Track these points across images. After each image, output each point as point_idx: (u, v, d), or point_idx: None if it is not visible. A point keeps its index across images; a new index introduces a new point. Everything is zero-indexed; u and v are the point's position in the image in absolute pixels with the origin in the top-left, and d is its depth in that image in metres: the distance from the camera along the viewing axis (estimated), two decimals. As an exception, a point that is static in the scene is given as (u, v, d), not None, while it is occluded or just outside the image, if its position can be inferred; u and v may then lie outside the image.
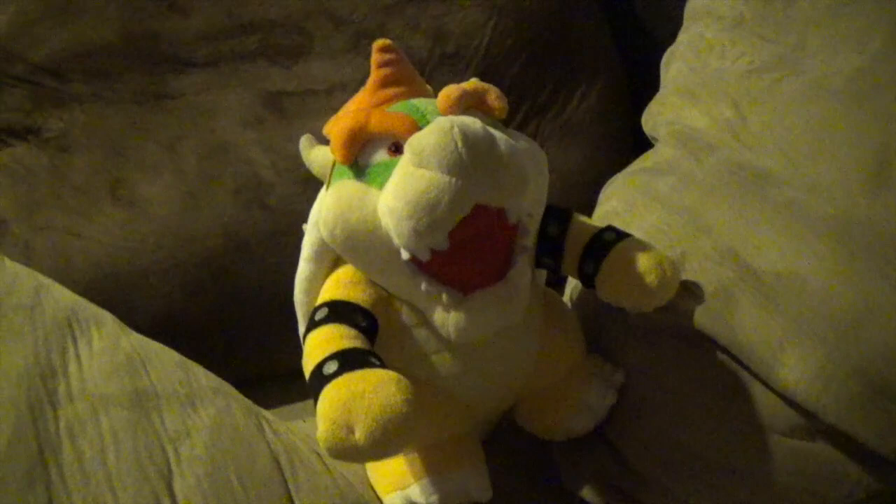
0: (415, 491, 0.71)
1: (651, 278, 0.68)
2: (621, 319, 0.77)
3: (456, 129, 0.57)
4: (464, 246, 0.61)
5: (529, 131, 1.15)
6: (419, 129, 0.61)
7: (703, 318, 0.70)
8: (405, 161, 0.59)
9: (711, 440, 0.71)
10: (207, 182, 1.01)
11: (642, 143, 0.98)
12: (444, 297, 0.64)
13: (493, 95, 0.68)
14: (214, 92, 1.05)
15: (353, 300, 0.66)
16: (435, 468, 0.72)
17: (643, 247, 0.71)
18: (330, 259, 0.69)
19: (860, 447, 0.63)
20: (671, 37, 1.03)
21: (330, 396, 0.56)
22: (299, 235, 0.71)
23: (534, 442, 0.82)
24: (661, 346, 0.75)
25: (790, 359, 0.64)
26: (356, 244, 0.64)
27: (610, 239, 0.72)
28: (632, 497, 0.78)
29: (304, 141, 0.72)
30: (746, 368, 0.68)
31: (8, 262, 0.78)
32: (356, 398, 0.55)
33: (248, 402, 0.76)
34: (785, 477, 0.67)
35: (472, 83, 0.68)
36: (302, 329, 0.72)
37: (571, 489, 0.82)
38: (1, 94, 1.00)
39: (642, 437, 0.76)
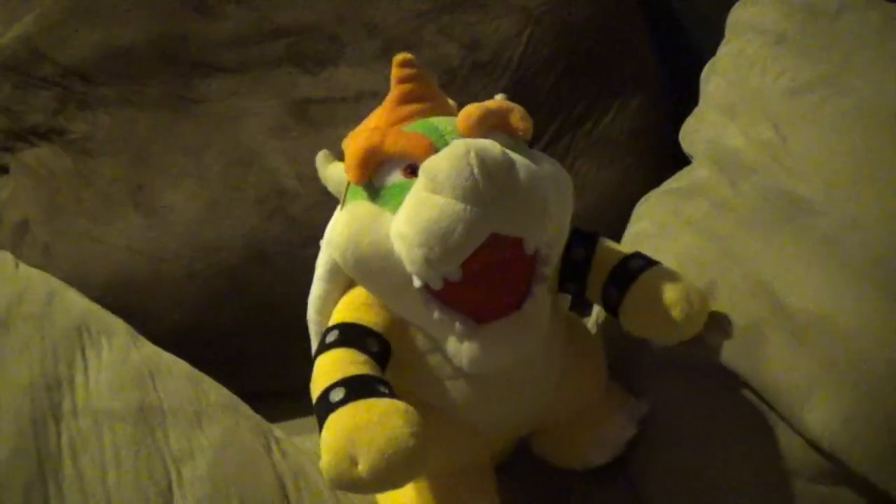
0: (421, 521, 0.69)
1: (677, 311, 0.65)
2: (647, 349, 0.74)
3: (473, 154, 0.54)
4: (478, 276, 0.58)
5: (563, 145, 1.12)
6: (436, 151, 0.59)
7: (730, 354, 0.67)
8: (419, 186, 0.57)
9: (733, 482, 0.68)
10: (230, 191, 1.00)
11: (682, 158, 0.95)
12: (457, 326, 0.61)
13: (517, 116, 0.65)
14: (241, 98, 1.04)
15: (365, 323, 0.64)
16: (445, 499, 0.70)
17: (671, 277, 0.68)
18: (344, 279, 0.67)
19: (886, 496, 0.59)
20: (714, 49, 0.99)
21: (334, 425, 0.54)
22: (320, 249, 0.69)
23: (549, 470, 0.80)
24: (685, 380, 0.72)
25: (818, 404, 0.60)
26: (368, 268, 0.61)
27: (636, 267, 0.69)
28: (649, 533, 0.75)
29: (321, 157, 0.71)
30: (773, 408, 0.65)
31: (22, 266, 0.77)
32: (361, 429, 0.53)
33: (258, 418, 0.75)
34: (807, 523, 0.64)
35: (496, 102, 0.65)
36: (314, 348, 0.70)
37: (587, 521, 0.79)
38: (27, 95, 1.00)
39: (662, 474, 0.73)
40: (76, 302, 0.75)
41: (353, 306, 0.66)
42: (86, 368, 0.69)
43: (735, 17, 0.98)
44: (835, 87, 0.78)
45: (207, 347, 0.95)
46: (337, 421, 0.54)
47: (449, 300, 0.61)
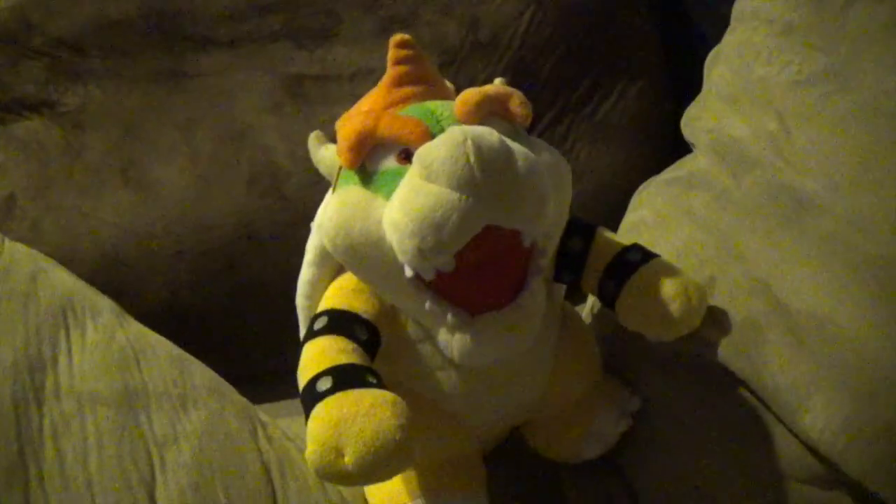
0: (409, 510, 0.69)
1: (675, 307, 0.64)
2: (642, 342, 0.72)
3: (469, 142, 0.52)
4: (472, 267, 0.57)
5: (562, 129, 1.10)
6: (432, 136, 0.57)
7: (727, 351, 0.66)
8: (413, 173, 0.55)
9: (725, 481, 0.67)
10: (222, 168, 0.98)
11: (682, 145, 0.94)
12: (449, 317, 0.60)
13: (517, 101, 0.63)
14: (234, 73, 1.02)
15: (354, 310, 0.63)
16: (432, 488, 0.69)
17: (669, 271, 0.66)
18: (334, 264, 0.66)
19: (880, 500, 0.58)
20: (720, 36, 0.97)
21: (321, 416, 0.53)
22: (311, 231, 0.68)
23: (540, 459, 0.79)
24: (681, 376, 0.71)
25: (816, 406, 0.59)
26: (358, 255, 0.60)
27: (634, 259, 0.68)
28: (639, 528, 0.75)
29: (313, 138, 0.69)
30: (769, 409, 0.64)
31: (7, 242, 0.75)
32: (348, 420, 0.52)
33: (244, 402, 0.74)
34: (797, 525, 0.64)
35: (495, 87, 0.63)
36: (303, 333, 0.69)
37: (576, 513, 0.78)
38: (19, 66, 0.98)
39: (654, 470, 0.72)
40: (62, 280, 0.73)
41: (343, 292, 0.64)
42: (70, 350, 0.67)
43: (741, 5, 0.96)
44: (841, 81, 0.76)
45: (196, 326, 0.95)
46: (324, 411, 0.53)
47: (441, 291, 0.59)
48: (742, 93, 0.84)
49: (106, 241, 0.94)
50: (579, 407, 0.74)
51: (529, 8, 1.09)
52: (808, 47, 0.81)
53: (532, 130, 0.98)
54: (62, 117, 0.98)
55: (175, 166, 0.98)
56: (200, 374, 0.72)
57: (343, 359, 0.58)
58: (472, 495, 0.70)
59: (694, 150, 0.90)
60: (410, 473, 0.69)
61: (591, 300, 0.86)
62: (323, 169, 0.68)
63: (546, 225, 0.61)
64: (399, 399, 0.54)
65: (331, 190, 0.65)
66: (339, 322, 0.62)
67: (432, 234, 0.53)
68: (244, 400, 0.74)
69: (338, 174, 0.63)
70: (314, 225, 0.67)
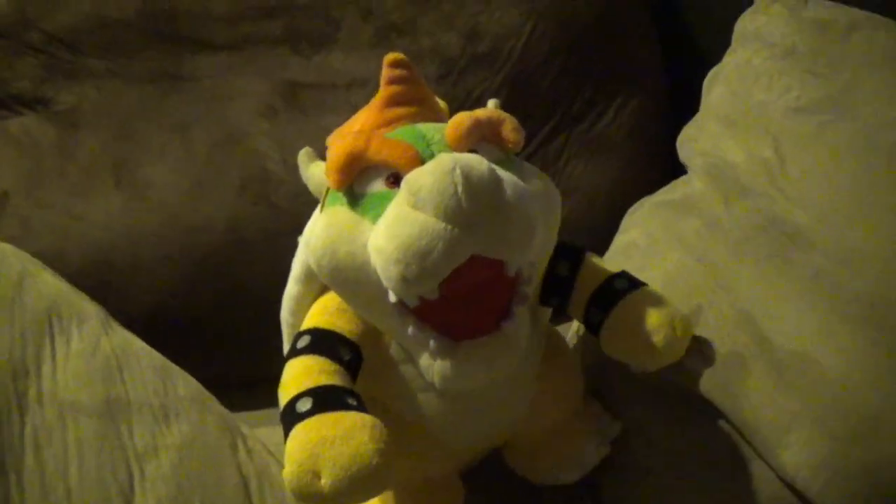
0: (384, 532, 0.69)
1: (658, 337, 0.64)
2: (625, 369, 0.72)
3: (458, 172, 0.52)
4: (456, 295, 0.57)
5: (557, 144, 1.10)
6: (421, 161, 0.57)
7: (709, 383, 0.66)
8: (401, 199, 0.55)
9: (703, 514, 0.67)
10: (214, 172, 0.98)
11: (678, 163, 0.93)
12: (431, 343, 0.59)
13: (509, 127, 0.63)
14: (231, 76, 1.02)
15: (338, 330, 0.63)
16: (410, 509, 0.69)
17: (654, 300, 0.66)
18: (319, 281, 0.65)
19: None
20: (720, 54, 0.97)
21: (299, 437, 0.53)
22: (300, 236, 0.68)
23: (518, 480, 0.79)
24: (662, 404, 0.72)
25: (795, 444, 0.60)
26: (343, 278, 0.60)
27: (621, 287, 0.68)
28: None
29: (303, 155, 0.69)
30: (749, 443, 0.64)
31: (-5, 243, 0.75)
32: (326, 443, 0.52)
33: (226, 413, 0.74)
34: (774, 561, 0.64)
35: (487, 111, 0.63)
36: (286, 348, 0.69)
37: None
38: (14, 61, 0.98)
39: (631, 499, 0.72)
40: (48, 284, 0.73)
41: (327, 311, 0.64)
42: (54, 357, 0.67)
43: (743, 25, 0.95)
44: (839, 110, 0.76)
45: (183, 331, 0.94)
46: (302, 433, 0.53)
47: (424, 317, 0.59)
48: (740, 117, 0.85)
49: (95, 241, 0.94)
50: (560, 430, 0.74)
51: (530, 21, 1.09)
52: (809, 73, 0.82)
53: (527, 145, 0.98)
54: (57, 115, 0.98)
55: (167, 168, 0.98)
56: (183, 384, 0.72)
57: (324, 380, 0.58)
58: (450, 516, 0.71)
59: (689, 171, 0.90)
60: (388, 493, 0.70)
61: (576, 323, 0.86)
62: (311, 187, 0.68)
63: (532, 254, 0.61)
64: (378, 422, 0.54)
65: (318, 208, 0.65)
66: (322, 342, 0.62)
67: (417, 263, 0.53)
68: (226, 411, 0.74)
69: (326, 193, 0.63)
70: (302, 240, 0.67)
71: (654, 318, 0.65)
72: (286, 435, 0.54)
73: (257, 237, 0.97)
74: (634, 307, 0.66)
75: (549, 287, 0.70)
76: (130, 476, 0.63)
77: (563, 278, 0.70)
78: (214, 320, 0.97)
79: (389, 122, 0.63)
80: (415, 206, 0.53)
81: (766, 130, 0.80)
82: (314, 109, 1.02)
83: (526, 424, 0.72)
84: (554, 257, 0.69)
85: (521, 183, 0.59)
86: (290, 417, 0.55)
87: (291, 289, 0.68)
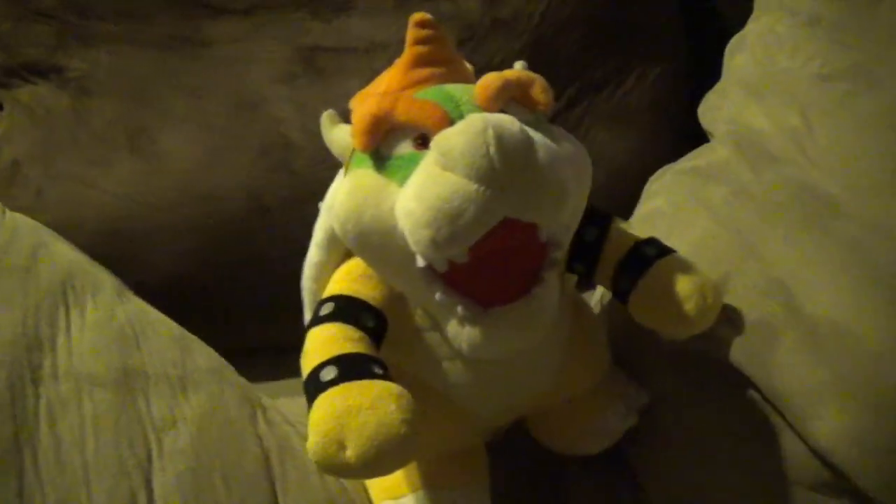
0: (408, 502, 0.67)
1: (690, 305, 0.62)
2: (652, 338, 0.70)
3: (490, 132, 0.50)
4: (486, 260, 0.55)
5: (578, 111, 1.07)
6: (450, 122, 0.55)
7: (739, 352, 0.64)
8: (430, 160, 0.53)
9: (732, 483, 0.66)
10: (232, 139, 0.96)
11: (700, 132, 0.91)
12: (459, 309, 0.58)
13: (539, 88, 0.60)
14: (248, 42, 0.99)
15: (362, 297, 0.61)
16: (433, 481, 0.68)
17: (685, 267, 0.64)
18: (342, 247, 0.63)
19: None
20: (742, 22, 0.95)
21: (324, 407, 0.51)
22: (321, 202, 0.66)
23: (542, 450, 0.77)
24: (691, 374, 0.70)
25: (829, 415, 0.58)
26: (369, 243, 0.58)
27: (650, 254, 0.66)
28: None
29: (326, 118, 0.67)
30: (779, 412, 0.63)
31: (9, 214, 0.74)
32: (351, 413, 0.50)
33: (245, 384, 0.72)
34: (803, 531, 0.62)
35: (516, 72, 0.61)
36: (307, 316, 0.67)
37: (579, 507, 0.77)
38: (26, 29, 0.96)
39: (660, 468, 0.71)
40: (63, 254, 0.72)
41: (351, 277, 0.62)
42: (69, 329, 0.66)
43: (765, -8, 0.93)
44: (867, 79, 0.74)
45: (201, 299, 0.93)
46: (327, 402, 0.51)
47: (453, 282, 0.57)
48: (764, 84, 0.82)
49: (111, 211, 0.92)
50: (586, 400, 0.72)
51: (551, -14, 1.06)
52: (835, 42, 0.79)
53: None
54: (70, 83, 0.96)
55: (184, 136, 0.96)
56: (201, 354, 0.70)
57: (349, 347, 0.56)
58: (474, 487, 0.69)
59: (711, 139, 0.87)
60: (412, 465, 0.68)
61: (600, 290, 0.84)
62: (335, 150, 0.66)
63: (565, 218, 0.58)
64: (405, 391, 0.52)
65: (342, 172, 0.63)
66: (346, 309, 0.60)
67: (447, 225, 0.51)
68: (245, 382, 0.72)
69: (350, 156, 0.61)
70: (323, 206, 0.65)
71: (685, 286, 0.63)
72: (310, 405, 0.53)
73: (276, 205, 0.95)
74: (665, 274, 0.64)
75: (576, 253, 0.68)
76: (148, 449, 0.61)
77: (589, 244, 0.68)
78: (233, 289, 0.95)
79: (416, 83, 0.60)
80: (445, 167, 0.51)
81: (792, 98, 0.78)
82: (334, 74, 0.99)
83: (552, 394, 0.71)
84: (581, 222, 0.66)
85: (553, 144, 0.57)
86: (314, 386, 0.53)
87: (313, 255, 0.66)
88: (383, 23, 1.02)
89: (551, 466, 0.77)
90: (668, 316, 0.64)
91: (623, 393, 0.73)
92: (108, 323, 0.67)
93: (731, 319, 0.65)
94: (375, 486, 0.70)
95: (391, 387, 0.52)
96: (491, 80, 0.57)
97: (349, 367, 0.54)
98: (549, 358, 0.68)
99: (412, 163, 0.55)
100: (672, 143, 1.07)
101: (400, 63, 0.62)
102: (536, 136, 0.55)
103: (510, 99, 0.59)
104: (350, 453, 0.49)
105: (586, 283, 0.74)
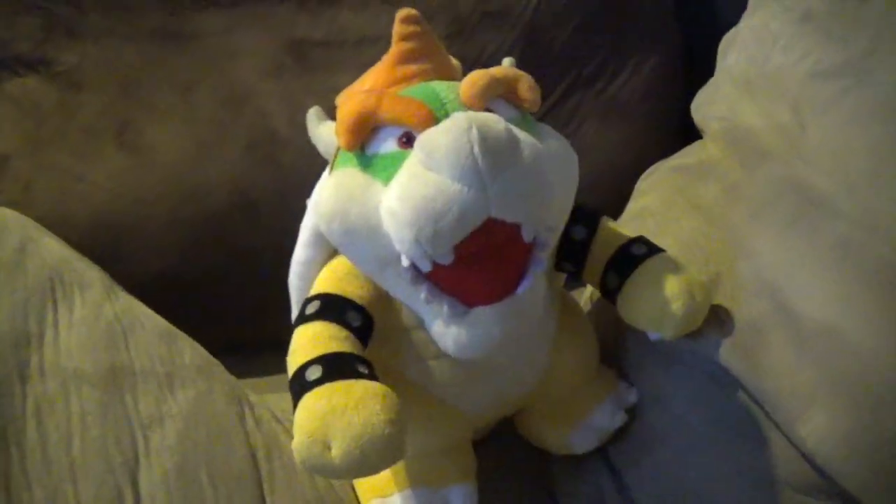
0: (395, 501, 0.68)
1: (678, 305, 0.62)
2: (641, 336, 0.70)
3: (474, 131, 0.50)
4: (470, 260, 0.55)
5: (571, 105, 1.07)
6: (435, 120, 0.55)
7: (728, 352, 0.64)
8: (414, 160, 0.53)
9: (719, 485, 0.66)
10: (220, 132, 0.95)
11: (693, 126, 0.91)
12: (445, 309, 0.57)
13: (525, 85, 0.60)
14: (236, 35, 0.98)
15: (347, 295, 0.61)
16: (421, 480, 0.68)
17: (673, 267, 0.64)
18: (328, 246, 0.63)
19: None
20: (736, 17, 0.94)
21: (309, 406, 0.52)
22: (308, 198, 0.66)
23: (530, 448, 0.78)
24: (679, 373, 0.70)
25: (816, 416, 0.58)
26: (354, 241, 0.58)
27: (639, 253, 0.66)
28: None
29: (312, 114, 0.66)
30: (768, 414, 0.62)
31: (-3, 209, 0.73)
32: (336, 413, 0.50)
33: (233, 381, 0.72)
34: (791, 535, 0.62)
35: (503, 69, 0.61)
36: (294, 314, 0.67)
37: (564, 505, 0.77)
38: (14, 21, 0.95)
39: (647, 468, 0.71)
40: (51, 250, 0.71)
41: (337, 276, 0.62)
42: (56, 325, 0.66)
43: (760, -13, 0.92)
44: (859, 75, 0.73)
45: (188, 294, 0.93)
46: (312, 401, 0.52)
47: (437, 282, 0.57)
48: (757, 81, 0.82)
49: (99, 204, 0.92)
50: (574, 398, 0.73)
51: (544, -23, 1.06)
52: (827, 37, 0.79)
53: (541, 105, 0.95)
54: (58, 76, 0.95)
55: (172, 129, 0.95)
56: (190, 351, 0.70)
57: (334, 346, 0.56)
58: (462, 484, 0.69)
59: (704, 135, 0.87)
60: (401, 463, 0.68)
61: (589, 288, 0.84)
62: (321, 147, 0.65)
63: (550, 219, 0.58)
64: (390, 391, 0.52)
65: (327, 169, 0.63)
66: (332, 307, 0.60)
67: (430, 226, 0.51)
68: (233, 379, 0.72)
69: (336, 154, 0.61)
70: (310, 203, 0.65)
71: (673, 286, 0.62)
72: (295, 404, 0.53)
73: (264, 198, 0.95)
74: (653, 273, 0.64)
75: (564, 252, 0.68)
76: (135, 446, 0.61)
77: (578, 243, 0.68)
78: (221, 282, 0.95)
79: (401, 80, 0.60)
80: (429, 167, 0.51)
81: (784, 95, 0.77)
82: (323, 67, 0.99)
83: (540, 392, 0.71)
84: (569, 221, 0.66)
85: (539, 144, 0.56)
86: (300, 386, 0.53)
87: (300, 253, 0.66)
88: (373, 15, 1.01)
89: (539, 464, 0.77)
90: (655, 316, 0.63)
91: (612, 391, 0.73)
92: (95, 319, 0.67)
93: (720, 319, 0.65)
94: (363, 484, 0.70)
95: (376, 386, 0.52)
96: (476, 77, 0.57)
97: (334, 367, 0.54)
98: (536, 356, 0.68)
99: (397, 161, 0.55)
100: (665, 136, 1.08)
101: (386, 59, 0.62)
102: (522, 135, 0.55)
103: (496, 97, 0.59)
104: (335, 453, 0.50)
105: (576, 281, 0.74)
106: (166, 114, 0.95)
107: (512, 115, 0.58)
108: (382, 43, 0.63)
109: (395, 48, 0.61)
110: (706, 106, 0.87)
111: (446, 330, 0.58)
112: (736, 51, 0.88)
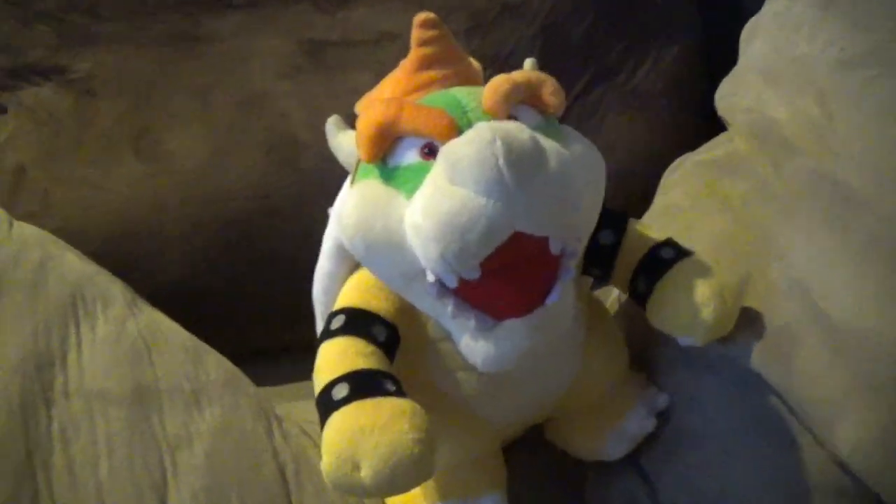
0: (427, 514, 0.67)
1: (708, 311, 0.60)
2: (671, 340, 0.69)
3: (499, 143, 0.49)
4: (497, 274, 0.53)
5: (593, 98, 1.05)
6: (458, 130, 0.53)
7: (760, 356, 0.63)
8: (438, 173, 0.51)
9: (751, 489, 0.65)
10: (238, 137, 0.95)
11: (715, 117, 0.89)
12: (472, 323, 0.56)
13: (549, 89, 0.58)
14: (251, 36, 0.97)
15: (373, 309, 0.60)
16: (451, 492, 0.67)
17: (703, 270, 0.63)
18: (352, 258, 0.62)
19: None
20: (758, 3, 0.92)
21: (337, 426, 0.51)
22: (330, 206, 0.65)
23: (559, 455, 0.77)
24: (711, 377, 0.68)
25: (849, 421, 0.57)
26: (378, 256, 0.56)
27: (668, 257, 0.64)
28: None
29: (332, 123, 0.65)
30: (800, 419, 0.61)
31: (16, 225, 0.73)
32: (365, 433, 0.50)
33: (260, 395, 0.71)
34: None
35: (525, 73, 0.59)
36: (319, 327, 0.66)
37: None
38: (28, 29, 0.94)
39: (678, 473, 0.70)
40: (72, 266, 0.71)
41: (362, 289, 0.61)
42: (79, 344, 0.65)
43: (781, -28, 0.90)
44: (885, 63, 0.71)
45: (211, 301, 0.93)
46: (340, 421, 0.51)
47: (465, 296, 0.56)
48: (782, 70, 0.80)
49: (118, 213, 0.91)
50: (604, 405, 0.71)
51: (561, -32, 1.04)
52: (851, 24, 0.77)
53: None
54: (73, 84, 0.94)
55: (189, 135, 0.95)
56: (215, 365, 0.70)
57: (360, 363, 0.55)
58: (492, 495, 0.68)
59: (728, 126, 0.85)
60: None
61: (617, 292, 0.82)
62: (341, 157, 0.64)
63: (578, 229, 0.57)
64: (418, 409, 0.52)
65: (348, 180, 0.61)
66: (357, 322, 0.59)
67: (457, 241, 0.50)
68: (259, 391, 0.72)
69: (357, 165, 0.60)
70: (333, 212, 0.64)
71: (703, 290, 0.61)
72: (322, 423, 0.52)
73: (285, 203, 0.94)
74: (682, 278, 0.63)
75: (592, 257, 0.66)
76: (163, 468, 0.61)
77: (605, 247, 0.66)
78: (243, 288, 0.95)
79: (421, 87, 0.59)
80: (453, 181, 0.50)
81: (810, 85, 0.75)
82: (340, 68, 0.98)
83: (569, 399, 0.70)
84: (596, 225, 0.64)
85: (565, 151, 0.55)
86: (327, 405, 0.53)
87: (323, 265, 0.65)
88: (389, 12, 0.99)
89: (569, 470, 0.76)
90: (685, 322, 0.62)
91: (642, 396, 0.72)
92: (119, 338, 0.67)
93: (751, 322, 0.64)
94: (394, 500, 0.69)
95: (404, 404, 0.51)
96: (499, 83, 0.55)
97: (361, 385, 0.53)
98: (565, 364, 0.67)
99: (420, 173, 0.54)
100: (689, 127, 1.06)
101: (405, 65, 0.60)
102: (547, 142, 0.53)
103: (519, 102, 0.57)
104: (364, 474, 0.49)
105: (602, 282, 0.72)
106: (183, 119, 0.95)
107: (536, 121, 0.57)
108: (400, 41, 0.62)
109: (414, 54, 0.60)
110: (730, 97, 0.85)
111: (474, 344, 0.57)
112: (760, 39, 0.85)
